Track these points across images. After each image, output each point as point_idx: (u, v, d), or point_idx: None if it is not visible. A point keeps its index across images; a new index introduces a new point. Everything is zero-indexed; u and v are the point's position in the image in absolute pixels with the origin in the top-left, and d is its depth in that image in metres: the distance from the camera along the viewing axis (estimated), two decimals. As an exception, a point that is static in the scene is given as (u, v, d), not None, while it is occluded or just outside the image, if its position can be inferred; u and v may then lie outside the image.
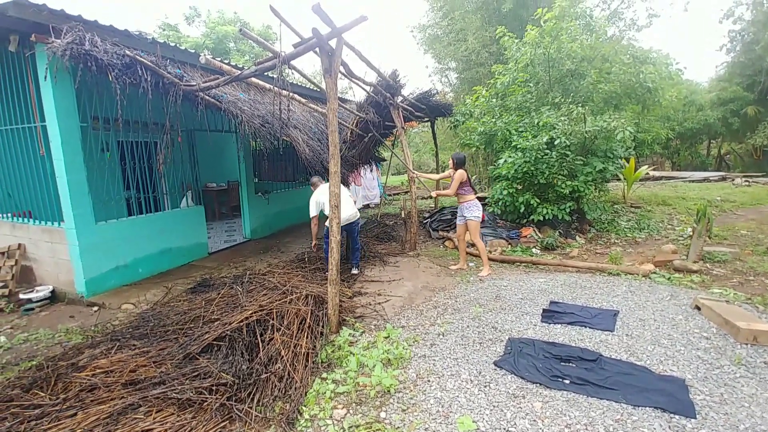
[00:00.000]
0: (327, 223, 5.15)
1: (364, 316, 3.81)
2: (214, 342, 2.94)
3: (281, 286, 3.83)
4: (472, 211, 4.92)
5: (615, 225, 6.95)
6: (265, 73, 3.80)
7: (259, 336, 2.97)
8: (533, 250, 6.00)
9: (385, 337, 3.28)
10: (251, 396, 2.50)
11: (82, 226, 4.65)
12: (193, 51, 4.46)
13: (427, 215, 9.22)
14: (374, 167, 12.85)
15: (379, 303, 4.14)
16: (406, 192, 16.85)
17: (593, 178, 6.14)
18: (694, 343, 2.67)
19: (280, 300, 3.50)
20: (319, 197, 5.10)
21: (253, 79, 4.06)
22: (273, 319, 3.15)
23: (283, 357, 2.82)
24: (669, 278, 4.22)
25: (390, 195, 15.60)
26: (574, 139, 6.08)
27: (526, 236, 6.42)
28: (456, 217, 7.65)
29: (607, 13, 12.52)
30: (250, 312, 3.15)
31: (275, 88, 3.19)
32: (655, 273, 4.38)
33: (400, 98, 6.83)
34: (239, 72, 3.49)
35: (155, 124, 5.36)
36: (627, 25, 13.33)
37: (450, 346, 3.01)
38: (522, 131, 6.72)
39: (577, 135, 6.05)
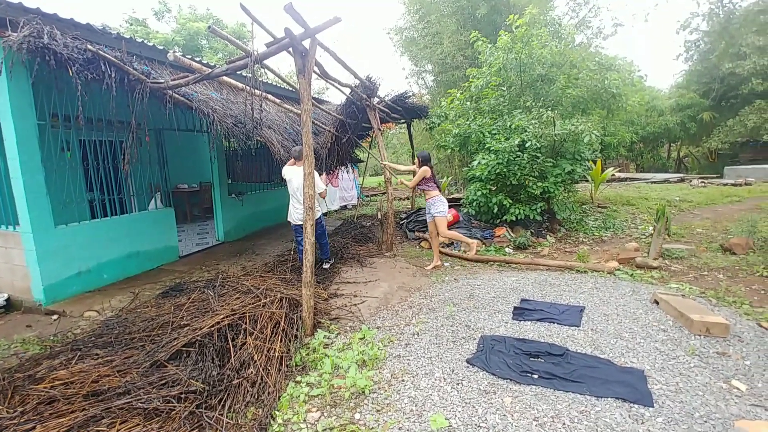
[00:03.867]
0: (298, 220, 5.05)
1: (340, 317, 3.79)
2: (184, 348, 2.85)
3: (255, 290, 3.76)
4: (436, 206, 5.08)
5: (583, 224, 7.24)
6: (238, 73, 3.74)
7: (231, 341, 2.91)
8: (506, 249, 6.16)
9: (361, 339, 3.28)
10: (222, 402, 2.44)
11: (40, 230, 4.40)
12: (161, 47, 4.31)
13: (403, 216, 9.28)
14: (351, 168, 12.83)
15: (355, 304, 4.13)
16: (384, 193, 16.92)
17: (562, 179, 6.37)
18: (652, 335, 2.83)
19: (253, 303, 3.44)
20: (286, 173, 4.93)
21: (226, 79, 3.98)
22: (246, 324, 3.09)
23: (256, 361, 2.77)
24: (632, 275, 4.44)
25: (367, 196, 15.62)
26: (545, 141, 6.29)
27: (499, 236, 6.58)
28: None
29: (575, 21, 13.03)
30: (222, 316, 3.08)
31: (247, 87, 3.13)
32: (619, 270, 4.59)
33: (376, 100, 6.86)
34: (210, 70, 3.41)
35: (121, 123, 5.15)
36: (594, 33, 13.95)
37: (424, 345, 3.05)
38: (495, 134, 6.89)
39: (547, 138, 6.26)
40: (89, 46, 3.33)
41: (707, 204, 8.89)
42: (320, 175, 5.73)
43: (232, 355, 2.76)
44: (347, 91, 5.61)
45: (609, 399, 2.15)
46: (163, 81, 3.67)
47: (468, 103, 8.10)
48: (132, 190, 6.15)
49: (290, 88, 6.94)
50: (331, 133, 6.54)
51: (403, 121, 9.49)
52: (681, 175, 15.64)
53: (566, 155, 6.60)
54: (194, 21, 17.95)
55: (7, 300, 4.66)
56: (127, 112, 4.16)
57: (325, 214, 11.66)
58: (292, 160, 5.02)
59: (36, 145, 4.28)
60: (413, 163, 11.14)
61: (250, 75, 3.13)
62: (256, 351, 2.86)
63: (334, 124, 6.61)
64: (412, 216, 8.44)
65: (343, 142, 6.62)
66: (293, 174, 4.86)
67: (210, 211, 8.25)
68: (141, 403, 2.39)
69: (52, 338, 3.70)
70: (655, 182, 13.88)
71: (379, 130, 6.46)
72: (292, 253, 6.00)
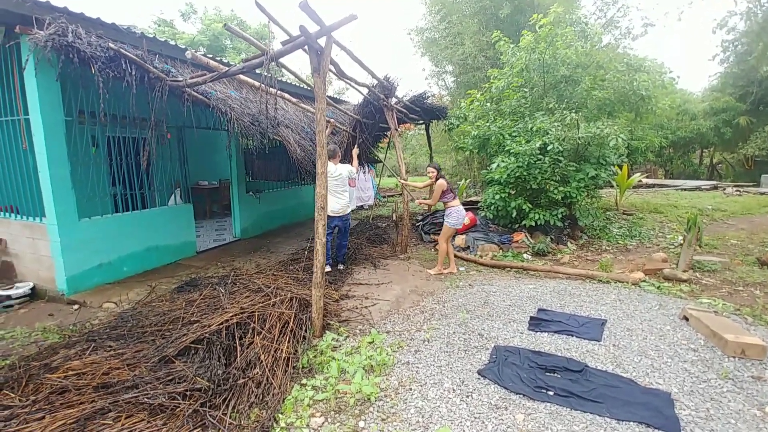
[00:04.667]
0: (336, 212, 5.21)
1: (350, 320, 3.73)
2: (192, 345, 2.85)
3: (266, 288, 3.74)
4: (450, 217, 5.12)
5: (607, 232, 6.94)
6: (257, 72, 3.74)
7: (238, 340, 2.89)
8: (524, 255, 5.97)
9: (370, 343, 3.21)
10: (227, 402, 2.42)
11: (65, 223, 4.54)
12: (182, 46, 4.37)
13: (420, 218, 9.17)
14: (368, 168, 12.80)
15: (366, 307, 4.07)
16: (401, 194, 16.81)
17: (585, 184, 6.12)
18: (681, 355, 2.63)
19: (263, 302, 3.42)
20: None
21: (245, 78, 3.99)
22: (254, 323, 3.07)
23: (262, 362, 2.74)
24: (658, 287, 4.19)
25: (384, 196, 15.55)
26: (567, 145, 6.06)
27: (517, 241, 6.38)
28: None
29: (603, 21, 12.60)
30: (231, 314, 3.07)
31: (262, 85, 3.12)
32: (644, 281, 4.35)
33: (394, 100, 6.79)
34: (226, 69, 3.42)
35: (144, 120, 5.29)
36: (622, 33, 13.44)
37: (434, 353, 2.95)
38: (515, 136, 6.70)
39: (570, 141, 6.03)
40: (111, 44, 3.40)
41: (743, 214, 8.39)
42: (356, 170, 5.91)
43: (239, 355, 2.74)
44: (365, 91, 5.56)
45: (631, 423, 1.99)
46: (182, 79, 3.71)
47: (488, 104, 7.92)
48: (153, 186, 6.29)
49: (308, 88, 6.97)
50: (347, 133, 6.51)
51: (421, 122, 9.39)
52: (714, 182, 14.87)
53: (590, 159, 6.34)
54: (219, 22, 18.36)
55: (33, 289, 4.82)
56: (164, 112, 4.21)
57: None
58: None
59: (63, 140, 4.41)
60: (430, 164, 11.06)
61: (265, 73, 3.12)
62: (263, 351, 2.83)
63: (351, 123, 6.58)
64: (428, 218, 8.32)
65: (359, 142, 6.58)
66: (329, 166, 5.04)
67: (228, 208, 8.37)
68: (147, 398, 2.39)
69: (71, 328, 3.79)
70: (685, 189, 13.24)
71: (396, 130, 6.38)
72: (306, 252, 6.00)
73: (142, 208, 5.72)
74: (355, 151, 6.05)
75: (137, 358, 2.84)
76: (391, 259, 6.10)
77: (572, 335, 2.94)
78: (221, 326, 2.94)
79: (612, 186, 8.37)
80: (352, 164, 5.85)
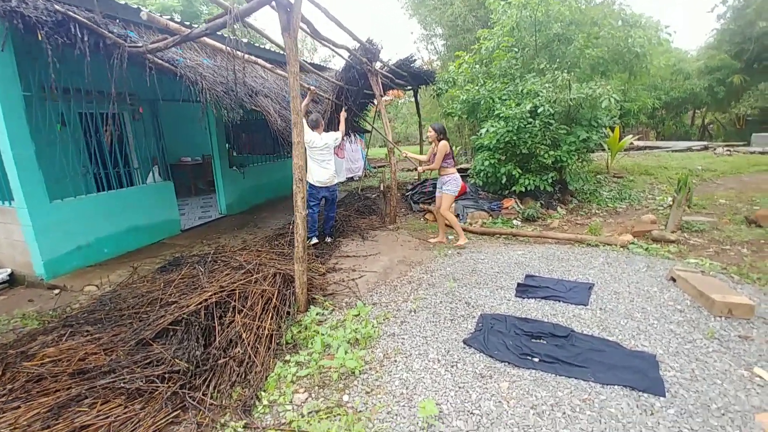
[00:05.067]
0: (322, 181, 5.07)
1: (336, 293, 3.67)
2: (170, 326, 2.77)
3: (247, 265, 3.64)
4: (448, 184, 4.81)
5: (597, 195, 6.88)
6: (224, 34, 3.43)
7: (218, 319, 2.80)
8: (514, 221, 5.90)
9: (355, 315, 3.16)
10: (207, 383, 2.36)
11: (35, 205, 4.33)
12: (134, 6, 3.99)
13: (409, 187, 9.02)
14: (357, 138, 12.46)
15: (353, 279, 4.00)
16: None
17: (577, 147, 5.98)
18: (667, 316, 2.61)
19: (244, 280, 3.32)
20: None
21: (211, 42, 3.68)
22: (235, 301, 2.98)
23: (244, 340, 2.67)
24: (647, 249, 4.17)
25: (374, 167, 15.29)
26: (558, 107, 5.86)
27: (507, 208, 6.30)
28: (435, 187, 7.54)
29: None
30: (210, 293, 2.97)
31: (227, 48, 2.86)
32: (633, 243, 4.32)
33: (378, 64, 6.45)
34: (188, 31, 3.13)
35: (119, 95, 5.03)
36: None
37: (420, 323, 2.90)
38: (505, 99, 6.45)
39: (561, 103, 5.82)
40: (58, 7, 3.07)
41: (732, 173, 8.36)
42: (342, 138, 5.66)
43: (218, 334, 2.66)
44: (345, 54, 5.24)
45: (615, 387, 1.97)
46: (142, 44, 3.40)
47: (478, 66, 7.59)
48: (129, 163, 6.02)
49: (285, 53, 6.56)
50: (331, 101, 6.22)
51: (409, 87, 9.03)
52: (705, 143, 14.80)
53: (581, 122, 6.16)
54: (193, -15, 17.16)
55: (11, 275, 4.68)
56: (126, 84, 3.92)
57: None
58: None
59: (23, 118, 4.12)
60: (420, 133, 10.73)
61: (230, 35, 2.85)
62: (244, 329, 2.75)
63: (333, 91, 6.26)
64: (417, 187, 8.17)
65: (345, 106, 6.29)
66: (313, 136, 4.87)
67: (214, 184, 8.13)
68: (124, 383, 2.32)
69: (51, 313, 3.68)
70: (676, 151, 13.15)
71: (381, 96, 6.10)
72: (292, 225, 5.88)
73: (120, 187, 5.49)
74: (343, 114, 5.80)
75: (114, 342, 2.75)
76: (379, 230, 6.01)
77: (559, 300, 2.91)
78: (200, 306, 2.85)
79: (603, 149, 8.23)
80: (339, 128, 5.63)
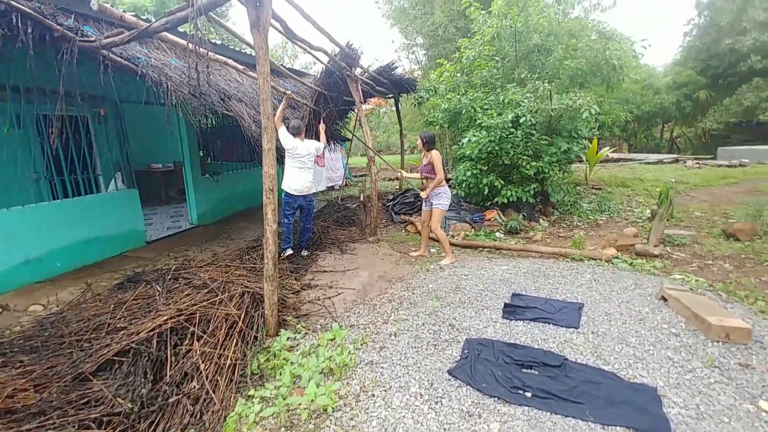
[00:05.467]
0: (300, 190, 4.82)
1: (310, 313, 3.38)
2: (115, 357, 2.41)
3: (212, 283, 3.30)
4: (440, 198, 4.51)
5: (577, 207, 6.87)
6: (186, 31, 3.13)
7: (173, 348, 2.47)
8: (497, 234, 5.77)
9: (330, 340, 2.89)
10: (153, 426, 2.03)
11: (-27, 214, 3.88)
12: None
13: (390, 197, 8.83)
14: (338, 146, 12.22)
15: (330, 297, 3.72)
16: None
17: (558, 159, 5.94)
18: (663, 341, 2.46)
19: (207, 300, 2.99)
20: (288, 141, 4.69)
21: (173, 38, 3.38)
22: (194, 326, 2.65)
23: (202, 372, 2.35)
24: (631, 263, 4.09)
25: (355, 176, 15.06)
26: (540, 117, 5.82)
27: (489, 219, 6.18)
28: (419, 200, 7.32)
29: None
30: (165, 318, 2.63)
31: (189, 44, 2.58)
32: (617, 258, 4.24)
33: (359, 70, 6.26)
34: (147, 24, 2.83)
35: (82, 95, 4.66)
36: (592, 5, 13.22)
37: (401, 349, 2.66)
38: (487, 109, 6.38)
39: (543, 113, 5.78)
40: (-5, -7, 2.71)
41: (704, 186, 8.59)
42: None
43: (170, 367, 2.33)
44: (324, 58, 5.02)
45: (617, 428, 1.78)
46: (95, 38, 3.07)
47: (459, 75, 7.52)
48: (95, 170, 5.56)
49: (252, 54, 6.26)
50: (308, 108, 5.97)
51: (390, 95, 8.89)
52: (675, 155, 15.34)
53: (562, 133, 6.15)
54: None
55: (-56, 292, 4.16)
56: (90, 84, 3.55)
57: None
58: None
59: (-42, 118, 3.68)
60: (402, 143, 10.60)
61: (192, 31, 2.57)
62: (203, 359, 2.43)
63: (312, 96, 6.02)
64: (398, 197, 7.98)
65: (324, 116, 6.05)
66: (295, 143, 4.68)
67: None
68: (53, 428, 1.97)
69: (-16, 338, 3.23)
70: (648, 163, 13.55)
71: (362, 103, 5.90)
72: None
73: (78, 195, 5.06)
74: (322, 127, 5.57)
75: (48, 376, 2.37)
76: (359, 243, 5.75)
77: (549, 323, 2.73)
78: (152, 333, 2.51)
79: (581, 160, 8.30)
80: (320, 140, 5.39)
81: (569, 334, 2.60)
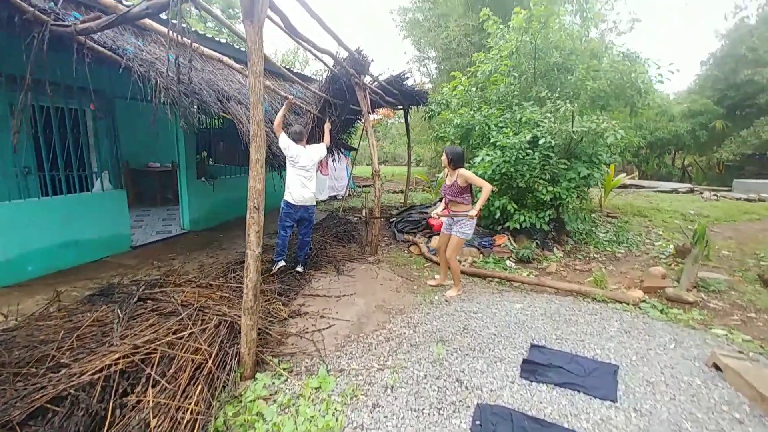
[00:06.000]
0: (283, 200, 4.48)
1: (296, 351, 2.92)
2: (50, 405, 1.97)
3: (185, 310, 2.86)
4: (464, 226, 3.88)
5: (593, 237, 6.41)
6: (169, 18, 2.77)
7: (120, 397, 2.02)
8: (507, 262, 5.32)
9: (315, 389, 2.43)
10: None
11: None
12: None
13: (394, 212, 8.41)
14: (343, 156, 11.89)
15: (319, 330, 3.27)
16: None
17: (577, 184, 5.51)
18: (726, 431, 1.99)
19: (174, 332, 2.55)
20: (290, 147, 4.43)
21: (157, 26, 3.01)
22: (152, 367, 2.20)
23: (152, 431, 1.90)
24: (662, 311, 3.62)
25: (360, 186, 14.69)
26: (559, 139, 5.41)
27: (499, 245, 5.73)
28: (424, 218, 6.88)
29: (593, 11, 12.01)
30: (117, 356, 2.19)
31: (171, 33, 2.20)
32: (645, 302, 3.77)
33: (368, 79, 5.91)
34: (126, 9, 2.46)
35: (82, 89, 4.41)
36: (609, 28, 12.95)
37: (398, 410, 2.20)
38: (502, 127, 5.99)
39: (563, 135, 5.38)
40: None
41: (726, 220, 8.12)
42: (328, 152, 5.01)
43: (111, 425, 1.88)
44: (329, 60, 4.66)
45: None
46: (70, 23, 2.70)
47: (473, 89, 7.17)
48: (84, 167, 5.20)
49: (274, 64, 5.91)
50: (312, 114, 5.60)
51: (399, 107, 8.54)
52: (689, 185, 14.89)
53: (581, 157, 5.73)
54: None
55: None
56: (81, 76, 3.19)
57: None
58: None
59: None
60: (409, 155, 10.21)
61: (171, 19, 2.20)
62: (155, 413, 1.98)
63: (317, 102, 5.66)
64: (403, 214, 7.56)
65: (330, 116, 5.67)
66: (298, 150, 4.41)
67: (185, 194, 7.29)
68: None
69: None
70: (662, 191, 13.10)
71: (369, 113, 5.53)
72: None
73: (59, 193, 4.70)
74: (327, 125, 5.22)
75: (-36, 424, 1.93)
76: (358, 262, 5.32)
77: (579, 390, 2.26)
78: (97, 376, 2.06)
79: (597, 186, 7.86)
80: (323, 140, 5.03)
81: (605, 409, 2.13)
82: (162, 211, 8.34)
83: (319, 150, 4.68)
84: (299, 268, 4.71)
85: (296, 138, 4.52)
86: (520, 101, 6.42)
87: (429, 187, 13.78)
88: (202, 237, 6.63)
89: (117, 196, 5.51)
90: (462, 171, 3.85)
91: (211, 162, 8.14)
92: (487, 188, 3.73)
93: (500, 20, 7.24)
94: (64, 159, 4.67)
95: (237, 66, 3.91)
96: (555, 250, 5.78)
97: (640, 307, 3.68)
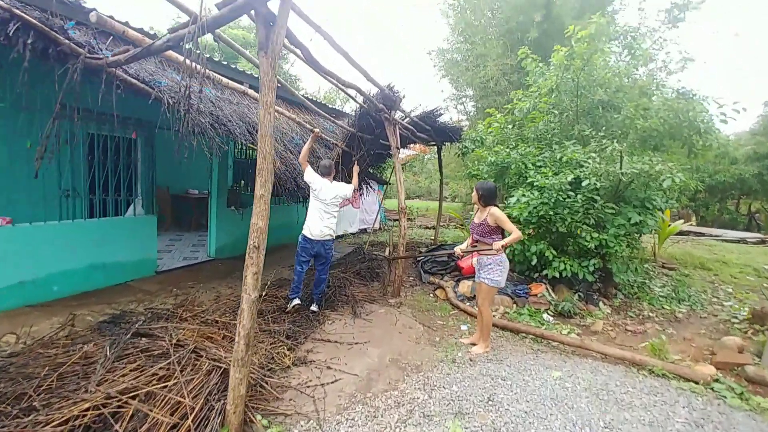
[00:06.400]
0: (320, 235, 4.33)
1: (291, 412, 2.57)
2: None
3: (178, 350, 2.64)
4: (492, 272, 3.44)
5: (646, 291, 5.64)
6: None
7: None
8: (545, 315, 4.73)
9: (305, 465, 2.05)
10: None
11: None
12: (87, 6, 3.42)
13: (423, 249, 8.01)
14: (375, 189, 11.84)
15: (323, 385, 2.92)
16: (410, 219, 15.63)
17: (627, 231, 4.90)
18: None
19: (159, 379, 2.31)
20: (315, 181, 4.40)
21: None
22: (122, 422, 1.95)
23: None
24: (742, 396, 2.90)
25: (391, 219, 14.47)
26: (606, 182, 4.91)
27: (536, 295, 5.15)
28: (453, 260, 6.39)
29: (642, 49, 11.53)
30: (87, 406, 1.96)
31: (187, 61, 2.14)
32: (718, 381, 3.08)
33: (399, 114, 5.81)
34: (151, 42, 2.47)
35: (128, 119, 4.82)
36: (658, 67, 12.34)
37: None
38: (540, 166, 5.58)
39: (610, 177, 4.87)
40: (1, 3, 2.49)
41: (811, 280, 6.94)
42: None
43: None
44: (359, 96, 4.58)
45: None
46: (102, 56, 2.77)
47: (510, 127, 6.86)
48: (110, 192, 5.39)
49: (309, 97, 6.01)
50: (340, 149, 5.52)
51: (432, 143, 8.38)
52: (760, 235, 13.28)
53: (632, 201, 5.15)
54: (233, 28, 18.18)
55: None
56: (135, 107, 3.32)
57: (340, 237, 10.65)
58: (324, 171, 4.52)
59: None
60: (441, 191, 9.91)
61: (191, 47, 2.14)
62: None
63: (344, 137, 5.59)
64: (432, 253, 7.14)
65: (357, 158, 5.56)
66: (323, 184, 4.35)
67: (215, 221, 7.41)
68: None
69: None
70: (727, 240, 11.72)
71: (398, 149, 5.36)
72: (265, 287, 4.92)
73: (92, 216, 4.89)
74: (356, 169, 5.10)
75: None
76: (378, 304, 4.96)
77: None
78: (61, 428, 1.83)
79: (649, 233, 7.06)
80: (352, 182, 4.90)
81: None
82: (194, 236, 8.52)
83: (345, 189, 4.51)
84: (314, 307, 4.45)
85: (324, 172, 4.47)
86: (560, 140, 6.01)
87: (462, 225, 13.29)
88: (226, 265, 6.59)
89: (147, 222, 5.61)
90: (493, 210, 3.48)
91: (247, 190, 8.29)
92: (516, 234, 3.33)
93: (539, 59, 7.01)
94: (101, 184, 4.86)
95: (253, 93, 3.90)
96: (601, 304, 5.10)
97: (712, 389, 2.99)
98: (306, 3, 2.56)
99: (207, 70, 2.38)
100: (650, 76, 7.59)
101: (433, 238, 9.82)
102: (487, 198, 3.55)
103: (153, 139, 5.70)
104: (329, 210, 4.39)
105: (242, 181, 8.23)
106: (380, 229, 13.30)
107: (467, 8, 13.92)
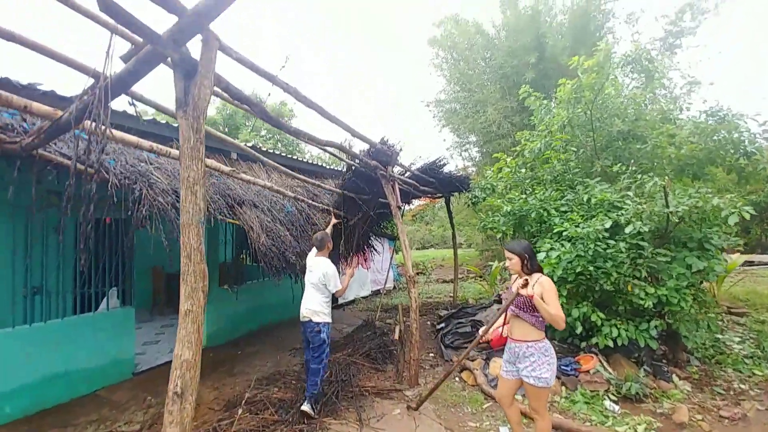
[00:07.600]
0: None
1: None
2: None
3: None
4: (539, 367, 2.50)
5: (722, 351, 4.51)
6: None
7: None
8: (606, 402, 3.65)
9: None
10: None
11: None
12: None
13: (443, 315, 6.90)
14: (387, 246, 11.10)
15: None
16: (424, 274, 14.58)
17: (689, 282, 3.95)
18: None
19: None
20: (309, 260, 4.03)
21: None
22: None
23: None
24: None
25: (405, 276, 13.52)
26: (651, 224, 4.08)
27: (588, 371, 4.10)
28: (477, 327, 5.30)
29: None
30: None
31: (91, 124, 1.56)
32: None
33: (398, 169, 5.25)
34: (58, 117, 1.95)
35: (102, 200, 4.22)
36: (671, 93, 11.92)
37: None
38: (565, 211, 4.82)
39: (655, 217, 4.05)
40: None
41: None
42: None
43: None
44: (341, 153, 4.04)
45: None
46: (18, 140, 2.27)
47: (522, 170, 6.22)
48: (76, 286, 4.78)
49: (317, 163, 5.57)
50: (332, 212, 4.90)
51: (439, 195, 7.76)
52: (819, 258, 11.79)
53: (687, 243, 4.25)
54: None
55: None
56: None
57: (351, 303, 9.73)
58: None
59: None
60: (454, 243, 9.04)
61: (89, 123, 1.58)
62: None
63: (332, 200, 5.00)
64: (452, 320, 6.15)
65: (350, 224, 4.91)
66: (312, 262, 3.93)
67: (213, 302, 6.68)
68: None
69: None
70: (787, 269, 10.32)
71: (399, 208, 4.70)
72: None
73: (57, 317, 4.22)
74: (332, 221, 4.49)
75: None
76: (392, 401, 3.98)
77: None
78: None
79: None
80: (362, 260, 4.27)
81: None
82: (188, 320, 7.72)
83: (325, 267, 3.78)
84: (305, 408, 3.53)
85: (317, 245, 3.95)
86: (582, 179, 5.29)
87: (480, 276, 12.25)
88: (218, 355, 5.74)
89: (123, 315, 4.91)
90: (544, 279, 2.59)
91: (251, 262, 7.66)
92: (560, 317, 2.44)
93: (542, 95, 6.56)
94: (74, 276, 4.28)
95: (226, 169, 3.34)
96: (675, 378, 4.00)
97: None
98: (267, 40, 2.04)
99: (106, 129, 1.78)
100: (671, 99, 7.02)
101: (452, 294, 8.81)
102: (534, 261, 2.69)
103: (130, 221, 5.18)
104: (312, 287, 3.81)
105: (243, 255, 7.61)
106: (394, 288, 12.35)
107: (459, 60, 14.14)
